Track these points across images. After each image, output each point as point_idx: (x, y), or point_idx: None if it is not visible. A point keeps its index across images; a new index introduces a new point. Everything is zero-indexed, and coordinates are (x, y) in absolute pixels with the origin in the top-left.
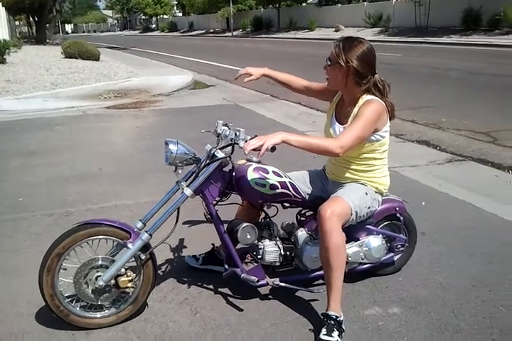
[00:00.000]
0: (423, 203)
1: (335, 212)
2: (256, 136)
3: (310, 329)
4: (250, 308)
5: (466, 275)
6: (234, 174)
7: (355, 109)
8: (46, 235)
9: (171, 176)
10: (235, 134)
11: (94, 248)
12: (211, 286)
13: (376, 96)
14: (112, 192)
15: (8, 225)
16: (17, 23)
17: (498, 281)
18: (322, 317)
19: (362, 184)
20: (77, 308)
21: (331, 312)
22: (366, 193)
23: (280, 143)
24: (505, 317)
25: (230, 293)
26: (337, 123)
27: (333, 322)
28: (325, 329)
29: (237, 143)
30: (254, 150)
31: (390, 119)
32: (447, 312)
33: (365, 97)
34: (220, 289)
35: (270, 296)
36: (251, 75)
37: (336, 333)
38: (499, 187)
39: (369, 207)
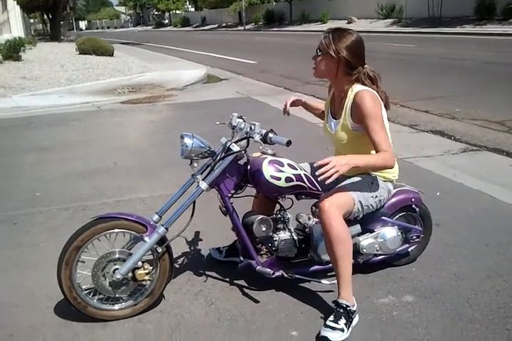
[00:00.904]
0: (438, 193)
1: (333, 202)
2: (271, 129)
3: (323, 318)
4: (264, 299)
5: (481, 266)
6: (249, 167)
7: (347, 103)
8: (62, 229)
9: (185, 170)
10: (250, 128)
11: (111, 241)
12: (226, 278)
13: (366, 85)
14: (127, 186)
15: (25, 220)
16: (32, 20)
17: None
18: (333, 304)
19: (368, 174)
20: (95, 300)
21: (340, 301)
22: (372, 182)
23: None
24: None
25: (245, 285)
26: (331, 118)
27: (342, 310)
28: (332, 316)
29: (252, 137)
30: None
31: (386, 108)
32: (462, 302)
33: (355, 88)
34: (234, 281)
35: (284, 287)
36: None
37: (342, 321)
38: None
39: (376, 196)
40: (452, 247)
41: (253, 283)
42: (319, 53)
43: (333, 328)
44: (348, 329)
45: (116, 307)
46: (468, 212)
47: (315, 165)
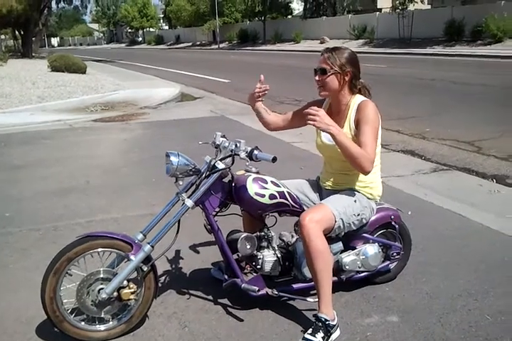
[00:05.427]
0: (409, 213)
1: (313, 218)
2: (256, 146)
3: (297, 339)
4: (239, 321)
5: (453, 285)
6: (234, 184)
7: (350, 113)
8: (33, 250)
9: (158, 189)
10: (236, 145)
11: (102, 259)
12: (200, 299)
13: (366, 97)
14: (100, 206)
15: None
16: (2, 36)
17: (483, 290)
18: (313, 318)
19: (355, 191)
20: (72, 316)
21: (320, 314)
22: (355, 201)
23: (326, 132)
24: (490, 326)
25: (219, 306)
26: None
27: (320, 324)
28: (311, 330)
29: (238, 154)
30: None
31: None
32: (434, 321)
33: (357, 100)
34: (208, 302)
35: (261, 308)
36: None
37: (320, 335)
38: (484, 195)
39: (358, 214)
40: (424, 266)
41: (227, 305)
42: (329, 72)
43: None
44: None
45: (93, 328)
46: (440, 231)
47: (304, 111)
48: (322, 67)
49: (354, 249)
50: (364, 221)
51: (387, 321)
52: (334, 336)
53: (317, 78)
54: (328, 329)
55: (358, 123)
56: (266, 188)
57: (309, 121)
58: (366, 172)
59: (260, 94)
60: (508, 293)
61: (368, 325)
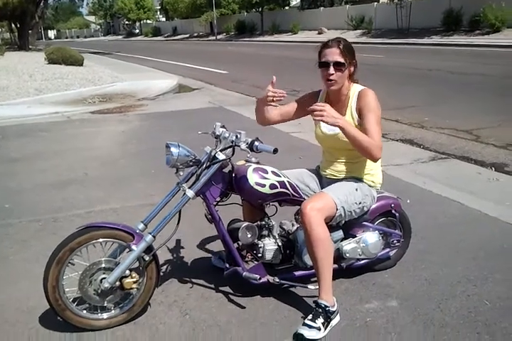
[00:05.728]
0: (408, 201)
1: (315, 207)
2: (257, 138)
3: (297, 325)
4: (240, 308)
5: (452, 271)
6: (234, 175)
7: (351, 101)
8: (33, 241)
9: (156, 180)
10: (236, 136)
11: (105, 249)
12: (200, 288)
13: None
14: (98, 197)
15: None
16: None
17: (483, 276)
18: (313, 304)
19: (357, 179)
20: (74, 305)
21: (320, 301)
22: (356, 189)
23: (334, 125)
24: (489, 311)
25: (220, 294)
26: None
27: (320, 310)
28: (311, 315)
29: (239, 145)
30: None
31: None
32: (433, 307)
33: (356, 88)
34: (209, 290)
35: (261, 295)
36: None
37: (320, 320)
38: (482, 183)
39: (360, 203)
40: (423, 254)
41: (229, 292)
42: (347, 65)
43: (310, 326)
44: (325, 328)
45: (95, 316)
46: (438, 219)
47: (309, 108)
48: (338, 61)
49: (354, 236)
50: (365, 209)
51: (387, 307)
52: (334, 322)
53: (332, 72)
54: (328, 315)
55: (360, 112)
56: (266, 178)
57: (317, 117)
58: (376, 160)
59: (274, 99)
60: (506, 280)
61: (368, 311)
